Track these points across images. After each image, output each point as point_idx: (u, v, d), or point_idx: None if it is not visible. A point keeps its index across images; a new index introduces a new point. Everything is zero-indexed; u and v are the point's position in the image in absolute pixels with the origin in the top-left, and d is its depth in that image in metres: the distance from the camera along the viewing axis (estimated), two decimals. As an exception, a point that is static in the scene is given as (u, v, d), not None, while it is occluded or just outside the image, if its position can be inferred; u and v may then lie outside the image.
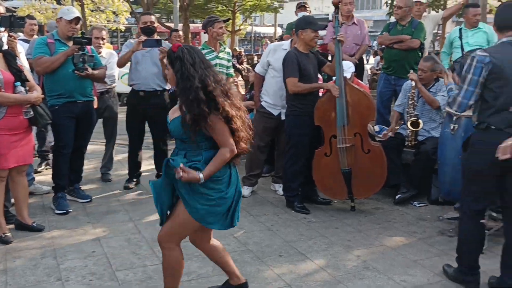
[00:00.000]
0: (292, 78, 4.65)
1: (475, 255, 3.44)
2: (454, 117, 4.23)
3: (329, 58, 6.01)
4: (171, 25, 17.40)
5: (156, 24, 5.31)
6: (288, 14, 6.30)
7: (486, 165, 3.21)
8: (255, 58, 27.95)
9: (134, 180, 5.58)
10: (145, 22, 5.24)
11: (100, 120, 5.66)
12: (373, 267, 3.74)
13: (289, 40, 5.30)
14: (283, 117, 5.07)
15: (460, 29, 6.57)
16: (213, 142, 2.77)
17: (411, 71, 5.35)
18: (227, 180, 2.85)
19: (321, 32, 5.18)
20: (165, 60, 5.07)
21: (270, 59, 5.17)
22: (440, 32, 17.85)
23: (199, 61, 2.75)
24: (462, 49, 6.43)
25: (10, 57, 3.99)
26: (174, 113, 2.85)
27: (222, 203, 2.83)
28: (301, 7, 6.99)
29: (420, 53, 6.10)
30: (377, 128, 5.76)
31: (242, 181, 5.48)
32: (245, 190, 5.33)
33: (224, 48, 5.56)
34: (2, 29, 4.46)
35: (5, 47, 4.16)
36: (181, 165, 2.66)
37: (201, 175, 2.69)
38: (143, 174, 5.76)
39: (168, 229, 2.94)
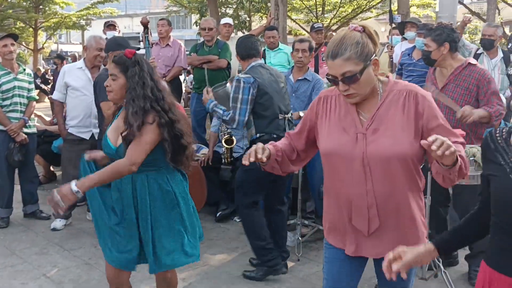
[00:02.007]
0: (106, 102, 4.41)
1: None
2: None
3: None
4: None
5: None
6: (97, 32, 6.01)
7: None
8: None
9: None
10: None
11: None
12: (199, 289, 3.70)
13: (82, 59, 5.07)
14: (96, 137, 4.78)
15: (264, 50, 7.00)
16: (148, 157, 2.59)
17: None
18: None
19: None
20: None
21: (67, 80, 4.87)
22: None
23: (151, 71, 2.67)
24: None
25: None
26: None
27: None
28: (110, 25, 6.73)
29: (228, 72, 6.33)
30: (195, 147, 5.78)
31: (53, 214, 5.04)
32: (58, 223, 4.90)
33: (24, 69, 5.05)
34: None
35: None
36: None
37: (73, 185, 2.46)
38: None
39: None
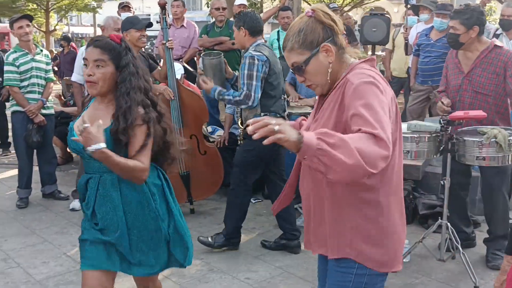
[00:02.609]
0: None
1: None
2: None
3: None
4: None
5: None
6: (108, 14, 6.00)
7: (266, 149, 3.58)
8: (75, 60, 26.45)
9: None
10: None
11: None
12: (218, 269, 3.74)
13: None
14: None
15: (278, 31, 6.95)
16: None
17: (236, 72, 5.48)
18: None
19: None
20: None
21: None
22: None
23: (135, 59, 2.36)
24: (280, 50, 6.82)
25: None
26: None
27: None
28: (124, 7, 6.71)
29: (239, 53, 6.30)
30: (210, 129, 5.80)
31: (72, 194, 5.11)
32: (76, 203, 4.96)
33: (41, 50, 5.07)
34: None
35: None
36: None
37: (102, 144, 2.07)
38: None
39: None
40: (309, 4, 19.35)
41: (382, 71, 7.11)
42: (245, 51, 3.93)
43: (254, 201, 5.25)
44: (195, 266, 3.76)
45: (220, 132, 5.61)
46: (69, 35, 13.34)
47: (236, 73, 4.23)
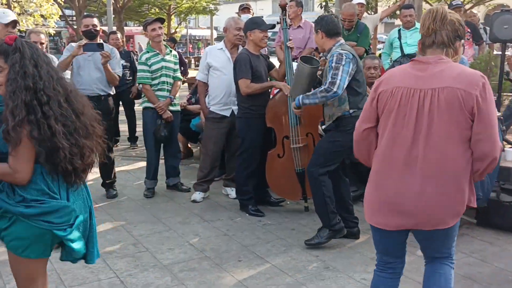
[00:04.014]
0: (245, 79, 4.61)
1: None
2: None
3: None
4: (105, 28, 16.90)
5: (99, 28, 5.09)
6: (224, 17, 6.24)
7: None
8: (192, 61, 27.85)
9: (78, 189, 5.31)
10: (87, 26, 5.01)
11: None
12: (333, 267, 3.75)
13: (222, 41, 5.28)
14: (235, 114, 5.01)
15: (399, 30, 6.78)
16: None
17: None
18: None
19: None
20: (108, 65, 4.92)
21: (209, 61, 5.12)
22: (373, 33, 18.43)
23: (38, 55, 2.30)
24: (402, 49, 6.64)
25: None
26: None
27: None
28: (244, 9, 6.95)
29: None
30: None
31: (193, 187, 5.38)
32: (197, 196, 5.23)
33: (171, 51, 5.42)
34: None
35: None
36: None
37: None
38: (88, 183, 5.50)
39: None
40: (427, 2, 18.58)
41: (507, 72, 6.64)
42: (326, 53, 3.99)
43: (369, 203, 5.18)
44: (310, 262, 3.82)
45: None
46: (187, 37, 14.12)
47: None
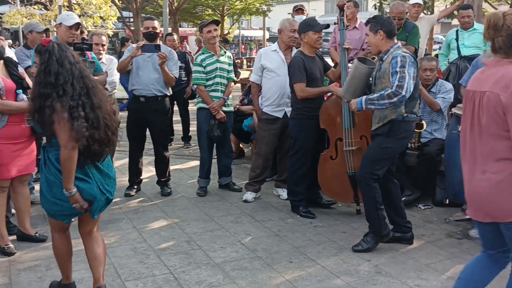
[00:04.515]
0: (300, 84, 4.62)
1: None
2: (463, 119, 4.21)
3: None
4: (161, 29, 17.31)
5: (158, 30, 5.23)
6: (277, 17, 6.26)
7: (403, 146, 4.14)
8: (244, 62, 28.08)
9: (135, 187, 5.49)
10: (147, 27, 5.17)
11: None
12: (386, 272, 3.70)
13: (276, 42, 5.29)
14: (288, 115, 5.02)
15: (456, 31, 6.58)
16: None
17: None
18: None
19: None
20: (165, 66, 5.05)
21: (263, 63, 5.16)
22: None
23: (65, 57, 2.86)
24: (459, 51, 6.45)
25: (11, 64, 3.89)
26: None
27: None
28: (298, 10, 6.94)
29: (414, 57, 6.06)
30: None
31: (245, 187, 5.44)
32: (249, 196, 5.28)
33: (225, 52, 5.50)
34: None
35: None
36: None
37: (67, 193, 2.86)
38: (144, 180, 5.69)
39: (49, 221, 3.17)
40: (488, 3, 17.93)
41: None
42: (383, 54, 3.88)
43: (423, 207, 5.07)
44: (363, 266, 3.78)
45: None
46: (239, 38, 14.37)
47: None
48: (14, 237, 4.16)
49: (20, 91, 3.82)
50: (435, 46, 14.01)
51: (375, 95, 3.80)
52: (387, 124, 3.89)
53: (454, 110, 4.49)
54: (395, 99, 3.69)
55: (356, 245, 4.07)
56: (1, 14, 23.32)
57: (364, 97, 3.86)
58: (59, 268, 3.24)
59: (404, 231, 4.17)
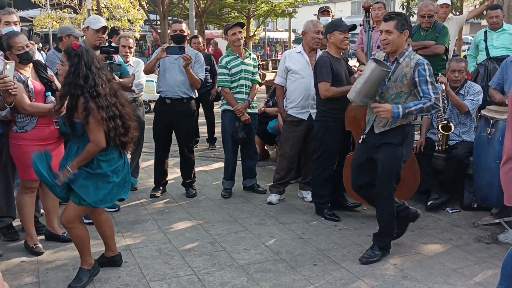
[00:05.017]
0: (325, 83, 4.59)
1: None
2: (492, 121, 4.13)
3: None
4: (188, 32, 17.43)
5: (186, 32, 5.28)
6: (303, 19, 6.25)
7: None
8: (270, 63, 28.09)
9: (161, 188, 5.54)
10: (175, 30, 5.23)
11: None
12: (411, 276, 3.65)
13: (300, 44, 5.27)
14: (313, 117, 5.00)
15: (485, 32, 6.45)
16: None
17: (440, 74, 5.25)
18: (114, 167, 3.33)
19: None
20: (190, 69, 5.08)
21: (288, 65, 5.14)
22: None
23: (92, 62, 3.20)
24: (487, 52, 6.31)
25: (40, 67, 3.98)
26: None
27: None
28: (324, 11, 6.90)
29: (445, 57, 5.99)
30: None
31: (269, 189, 5.43)
32: (273, 198, 5.28)
33: (250, 54, 5.51)
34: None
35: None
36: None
37: (68, 168, 3.20)
38: (169, 182, 5.74)
39: (68, 211, 3.41)
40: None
41: None
42: (399, 55, 3.77)
43: (451, 211, 4.99)
44: (388, 270, 3.73)
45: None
46: (265, 39, 14.28)
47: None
48: (42, 236, 4.25)
49: (49, 93, 3.90)
50: (464, 47, 13.77)
51: (412, 106, 3.61)
52: (396, 131, 3.77)
53: (483, 112, 4.40)
54: (433, 112, 3.69)
55: (365, 257, 3.91)
56: (32, 17, 23.85)
57: (401, 107, 3.61)
58: (86, 252, 3.54)
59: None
